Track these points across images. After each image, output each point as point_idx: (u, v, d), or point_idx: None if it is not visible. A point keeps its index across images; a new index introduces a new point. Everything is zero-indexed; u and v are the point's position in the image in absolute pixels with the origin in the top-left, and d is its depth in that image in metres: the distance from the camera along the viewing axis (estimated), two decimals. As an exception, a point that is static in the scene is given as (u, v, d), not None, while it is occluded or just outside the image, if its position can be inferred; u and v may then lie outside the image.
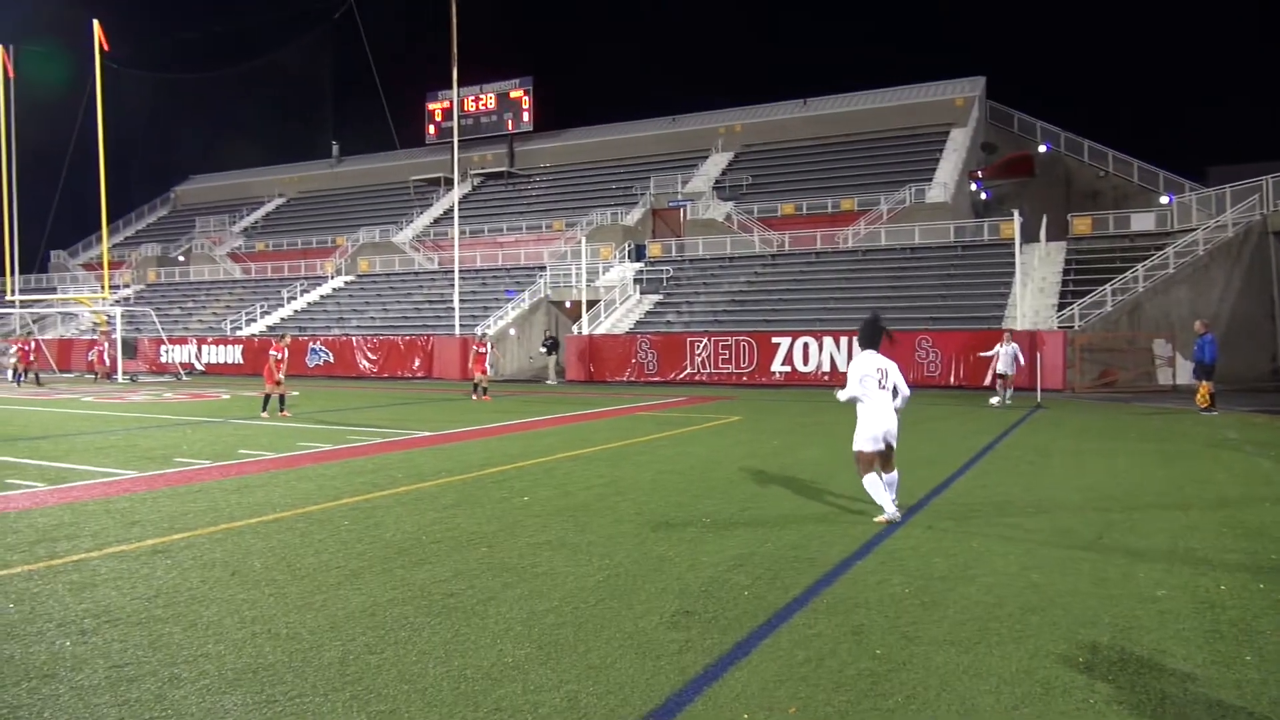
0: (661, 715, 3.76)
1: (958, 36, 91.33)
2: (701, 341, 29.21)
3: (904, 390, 7.54)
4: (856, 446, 7.48)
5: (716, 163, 47.66)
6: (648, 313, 34.15)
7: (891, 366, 7.48)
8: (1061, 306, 27.83)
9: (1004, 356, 20.31)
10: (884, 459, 7.49)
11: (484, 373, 22.45)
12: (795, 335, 28.07)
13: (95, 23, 34.03)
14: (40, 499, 8.79)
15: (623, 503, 8.50)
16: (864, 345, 7.55)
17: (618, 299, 35.20)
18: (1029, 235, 32.34)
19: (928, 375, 25.73)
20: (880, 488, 7.39)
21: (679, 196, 44.11)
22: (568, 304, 36.52)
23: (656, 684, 4.08)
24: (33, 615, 5.12)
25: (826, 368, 27.29)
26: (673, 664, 4.33)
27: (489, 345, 23.27)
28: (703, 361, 29.06)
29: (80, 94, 38.01)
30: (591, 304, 34.01)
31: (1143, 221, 32.32)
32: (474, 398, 22.20)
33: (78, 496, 8.93)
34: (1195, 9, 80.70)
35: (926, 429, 15.18)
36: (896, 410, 7.53)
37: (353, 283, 45.03)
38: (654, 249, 39.82)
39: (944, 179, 38.73)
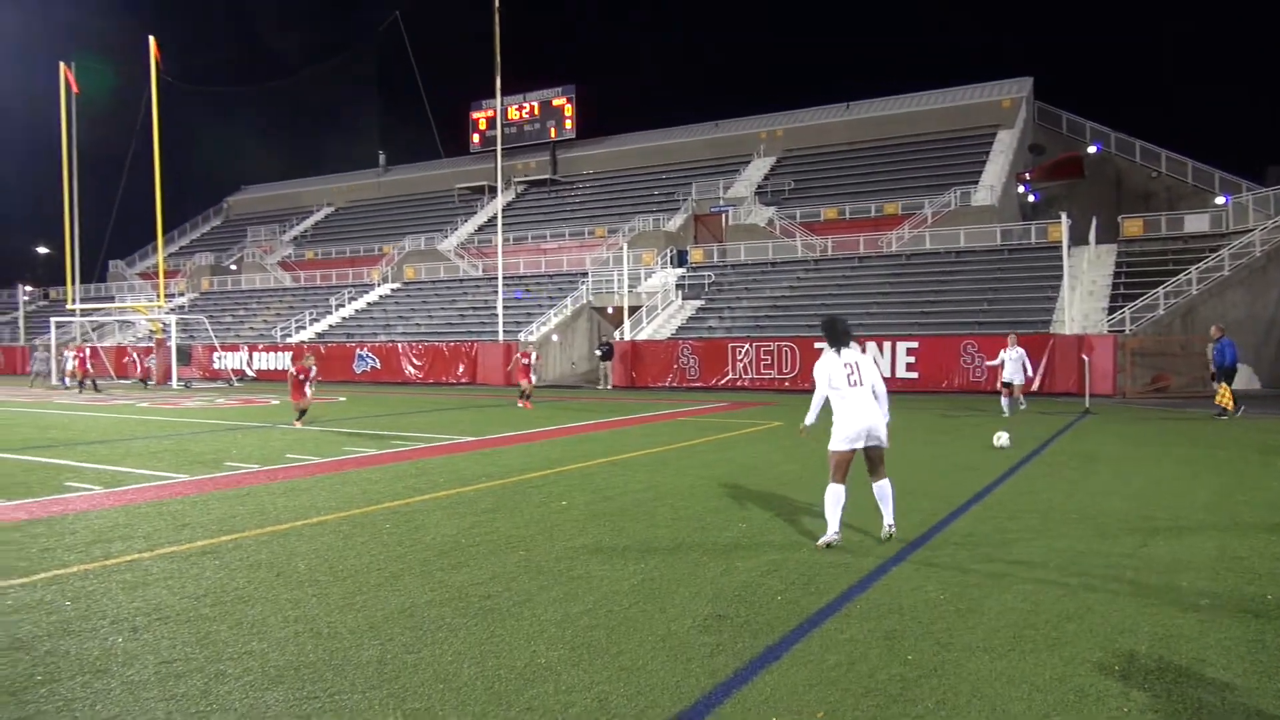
0: (691, 717, 3.80)
1: (1005, 37, 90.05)
2: (743, 347, 29.14)
3: (880, 387, 6.96)
4: (831, 446, 6.83)
5: (758, 167, 47.54)
6: (690, 318, 34.17)
7: (863, 360, 6.98)
8: (1112, 310, 27.28)
9: (1009, 364, 18.47)
10: (871, 464, 6.95)
11: (529, 380, 22.19)
12: (838, 340, 27.84)
13: (151, 39, 35.03)
14: (97, 501, 9.09)
15: (660, 508, 8.54)
16: (832, 344, 7.04)
17: (660, 305, 35.28)
18: (1078, 238, 31.76)
19: (973, 380, 25.38)
20: (837, 503, 6.77)
21: (721, 202, 44.07)
22: (610, 310, 36.67)
23: (687, 686, 4.12)
24: (88, 612, 5.32)
25: (870, 373, 27.02)
26: (703, 666, 4.37)
27: (533, 354, 22.87)
28: (744, 367, 28.99)
29: (136, 108, 39.13)
30: (634, 310, 34.13)
31: (1197, 223, 31.56)
32: (520, 404, 22.03)
33: (132, 499, 9.22)
34: (1252, 3, 78.54)
35: (970, 434, 14.99)
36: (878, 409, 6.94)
37: (399, 290, 45.69)
38: (696, 254, 39.83)
39: (990, 182, 38.20)
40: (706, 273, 37.39)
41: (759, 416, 18.97)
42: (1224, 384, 17.31)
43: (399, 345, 36.22)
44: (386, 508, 8.60)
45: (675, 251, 40.28)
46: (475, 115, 56.68)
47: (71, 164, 39.24)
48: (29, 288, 58.81)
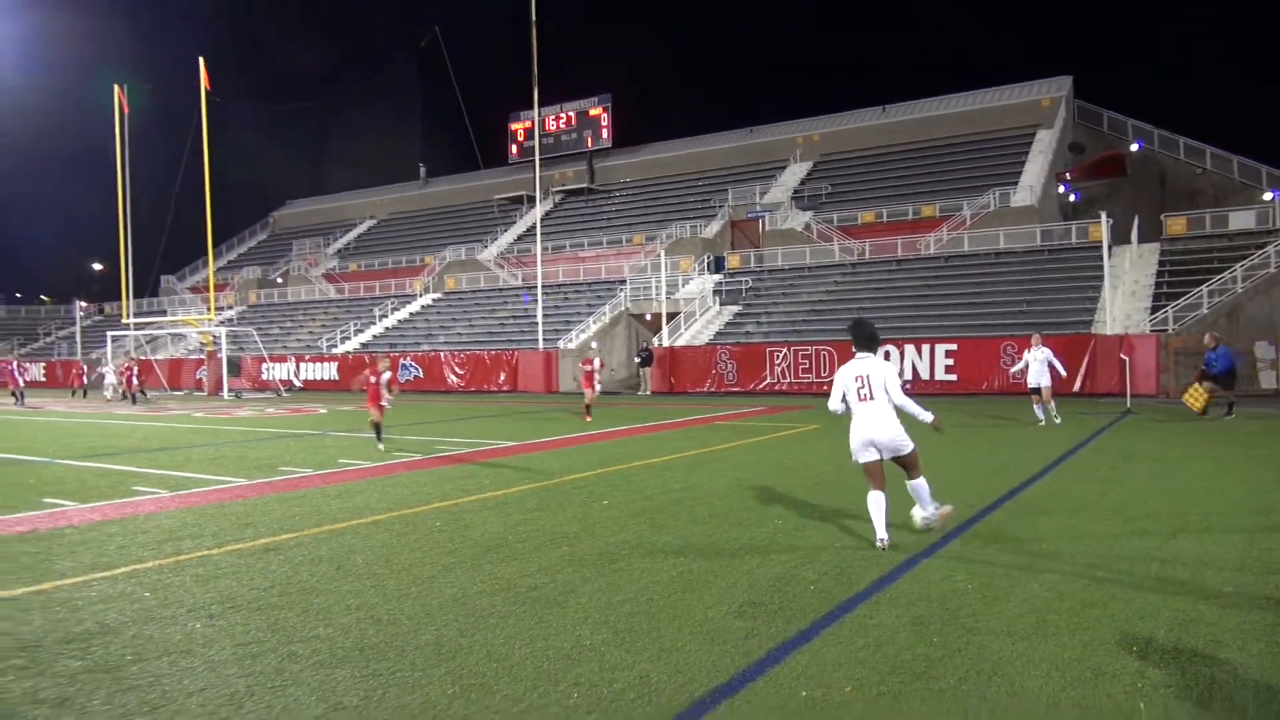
0: (726, 692, 4.09)
1: (1043, 36, 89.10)
2: (781, 351, 29.29)
3: (895, 395, 6.91)
4: (853, 460, 7.11)
5: (795, 172, 47.64)
6: (727, 324, 34.39)
7: (874, 371, 6.94)
8: (1155, 310, 27.01)
9: (1034, 366, 16.60)
10: (904, 467, 7.00)
11: (593, 390, 20.54)
12: (876, 343, 27.89)
13: (200, 61, 36.15)
14: (164, 504, 9.60)
15: (698, 506, 8.83)
16: (856, 348, 7.10)
17: (697, 310, 35.55)
18: (1120, 237, 31.45)
19: (1013, 382, 25.25)
20: (877, 507, 6.87)
21: (757, 207, 44.25)
22: (648, 316, 37.02)
23: (722, 666, 4.41)
24: (167, 602, 5.74)
25: (909, 376, 27.06)
26: (738, 649, 4.65)
27: (596, 361, 21.01)
28: (782, 371, 29.14)
29: (186, 128, 40.38)
30: (672, 316, 34.43)
31: (1242, 220, 31.11)
32: (586, 418, 19.92)
33: (197, 501, 9.71)
34: (1301, -5, 76.85)
35: (1008, 435, 15.07)
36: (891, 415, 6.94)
37: (440, 300, 46.47)
38: (733, 260, 40.05)
39: (1030, 182, 37.94)
40: (744, 278, 37.59)
41: (796, 420, 19.15)
42: (1207, 385, 17.28)
43: (441, 354, 36.89)
44: (436, 508, 8.98)
45: (712, 257, 40.53)
46: (513, 126, 57.46)
47: (124, 183, 40.57)
48: (84, 303, 60.68)
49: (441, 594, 5.80)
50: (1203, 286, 26.17)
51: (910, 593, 5.62)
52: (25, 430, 20.36)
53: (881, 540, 6.85)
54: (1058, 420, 16.32)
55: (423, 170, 65.78)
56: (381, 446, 14.20)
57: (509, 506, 8.99)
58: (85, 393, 38.33)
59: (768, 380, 29.30)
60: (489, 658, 4.58)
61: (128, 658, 4.68)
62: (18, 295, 73.40)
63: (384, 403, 14.41)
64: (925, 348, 26.88)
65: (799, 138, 49.29)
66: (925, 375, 26.89)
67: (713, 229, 44.46)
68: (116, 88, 40.90)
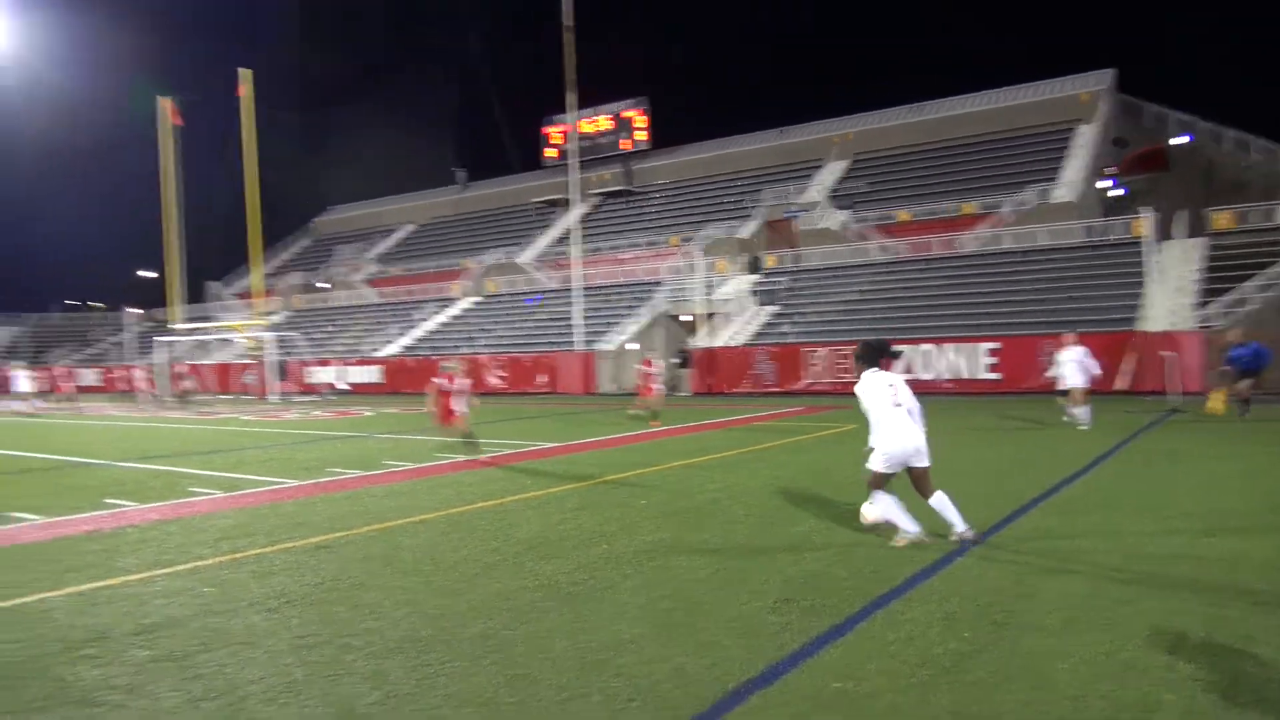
0: (759, 683, 4.24)
1: (1083, 29, 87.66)
2: (819, 351, 29.27)
3: (916, 406, 7.04)
4: (873, 467, 6.99)
5: (830, 171, 47.48)
6: (765, 324, 34.41)
7: (898, 381, 7.07)
8: (1201, 306, 26.57)
9: (1068, 366, 15.72)
10: (917, 485, 7.03)
11: (651, 394, 18.75)
12: (915, 342, 27.80)
13: (240, 72, 36.97)
14: (219, 504, 9.97)
15: (734, 506, 8.97)
16: (867, 364, 7.18)
17: (735, 311, 35.62)
18: (1164, 232, 30.94)
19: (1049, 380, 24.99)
20: (895, 504, 6.99)
21: (793, 207, 44.17)
22: (686, 318, 37.16)
23: (756, 658, 4.56)
24: (226, 597, 6.03)
25: (947, 375, 26.90)
26: (773, 642, 4.80)
27: (656, 364, 19.20)
28: (820, 371, 29.12)
29: (228, 137, 41.30)
30: (709, 317, 34.53)
31: (1291, 213, 30.42)
32: (653, 424, 18.14)
33: (250, 502, 10.06)
34: (1354, -20, 74.77)
35: (1048, 434, 14.99)
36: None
37: (480, 303, 47.00)
38: (770, 260, 40.03)
39: (1071, 178, 37.45)
40: (780, 278, 37.57)
41: (833, 420, 19.19)
42: (1226, 386, 17.22)
43: (482, 357, 37.35)
44: (480, 507, 9.23)
45: (749, 258, 40.55)
46: (549, 130, 57.89)
47: (174, 193, 41.60)
48: (134, 310, 62.26)
49: (486, 590, 6.02)
50: (1250, 281, 25.69)
51: (942, 589, 5.72)
52: (82, 435, 21.05)
53: (919, 532, 6.95)
54: (1084, 426, 15.22)
55: (461, 175, 66.53)
56: (479, 454, 13.26)
57: (550, 506, 9.21)
58: (154, 398, 39.36)
59: (806, 380, 29.29)
60: (533, 650, 4.78)
61: (193, 648, 4.96)
62: (67, 303, 75.48)
63: (461, 409, 13.27)
64: (965, 346, 26.70)
65: (834, 136, 49.08)
66: (967, 374, 26.72)
67: (749, 229, 44.47)
68: (163, 100, 41.99)
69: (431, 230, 63.92)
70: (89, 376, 50.44)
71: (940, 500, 6.97)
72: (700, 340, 33.06)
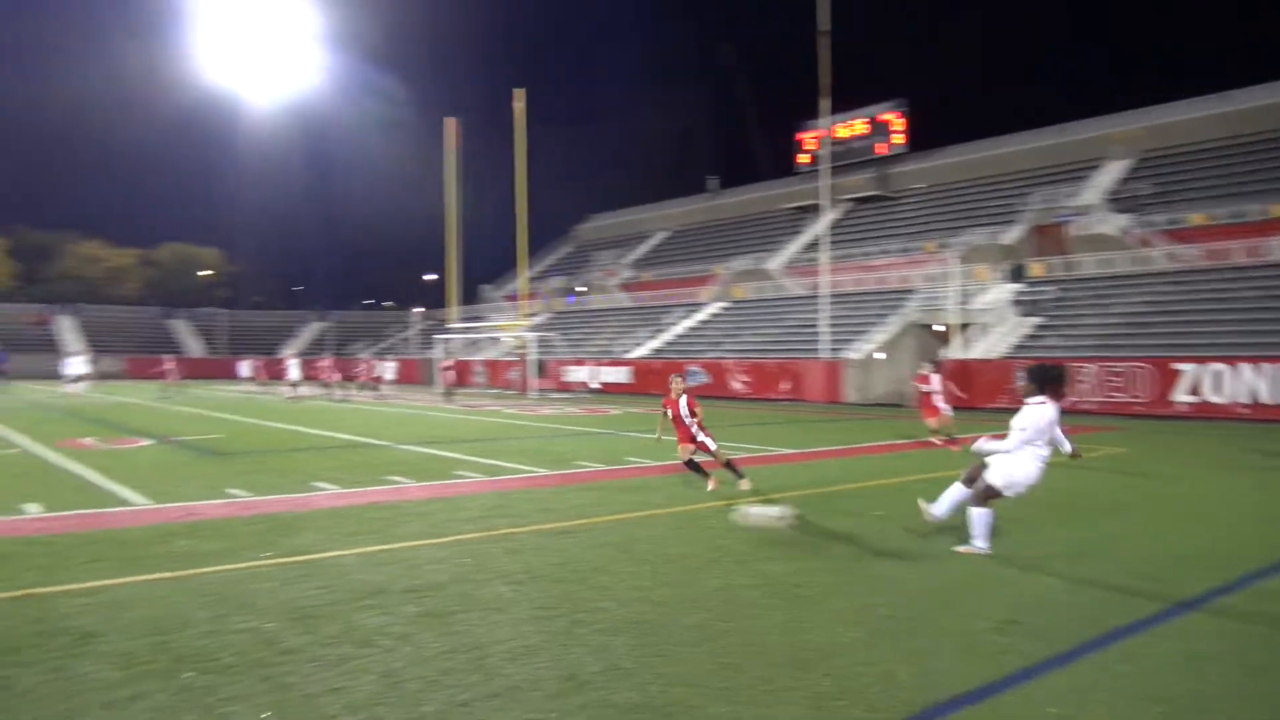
0: (969, 700, 4.21)
1: None
2: (1087, 367, 27.06)
3: (1065, 446, 7.44)
4: (1001, 485, 7.10)
5: (1109, 172, 43.58)
6: (1026, 336, 32.28)
7: (1056, 417, 7.13)
8: None
9: None
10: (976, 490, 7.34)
11: (939, 415, 16.27)
12: (1204, 361, 24.96)
13: (514, 91, 40.05)
14: (480, 487, 11.04)
15: (971, 523, 8.67)
16: (1037, 391, 7.10)
17: (993, 322, 33.72)
18: None
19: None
20: (987, 520, 7.21)
21: (1064, 211, 41.03)
22: (939, 327, 35.67)
23: (971, 675, 4.51)
24: (480, 568, 6.76)
25: (1245, 399, 23.93)
26: (991, 662, 4.71)
27: (932, 376, 16.68)
28: (1089, 389, 26.90)
29: (502, 151, 44.82)
30: (963, 327, 32.95)
31: None
32: (949, 445, 15.81)
33: (506, 487, 11.06)
34: None
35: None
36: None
37: (728, 308, 47.75)
38: (1035, 268, 37.46)
39: None
40: (1046, 287, 35.07)
41: (1099, 442, 17.74)
42: None
43: (727, 362, 37.96)
44: (712, 506, 9.57)
45: (1012, 266, 38.19)
46: (802, 136, 57.64)
47: (455, 204, 45.81)
48: (418, 309, 69.14)
49: (708, 584, 6.32)
50: None
51: (1194, 629, 5.30)
52: (372, 420, 23.81)
53: (985, 550, 7.09)
54: None
55: (714, 182, 67.85)
56: (745, 484, 10.45)
57: (779, 510, 9.35)
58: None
59: (1071, 398, 27.17)
60: (745, 643, 5.01)
61: (451, 608, 5.65)
62: (364, 303, 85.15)
63: (690, 424, 10.82)
64: (1267, 367, 23.63)
65: (1116, 133, 44.97)
66: (1268, 398, 23.63)
67: (1013, 235, 41.87)
68: (447, 120, 46.36)
69: (683, 237, 65.70)
70: (383, 368, 56.57)
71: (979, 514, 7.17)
72: (953, 351, 31.61)
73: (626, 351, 45.81)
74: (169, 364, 39.19)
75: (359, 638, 5.08)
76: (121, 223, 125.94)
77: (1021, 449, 6.99)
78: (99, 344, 61.05)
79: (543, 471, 12.55)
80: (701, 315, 48.10)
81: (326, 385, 36.91)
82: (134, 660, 4.67)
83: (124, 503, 9.71)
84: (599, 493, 10.61)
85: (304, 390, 36.06)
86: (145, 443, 16.27)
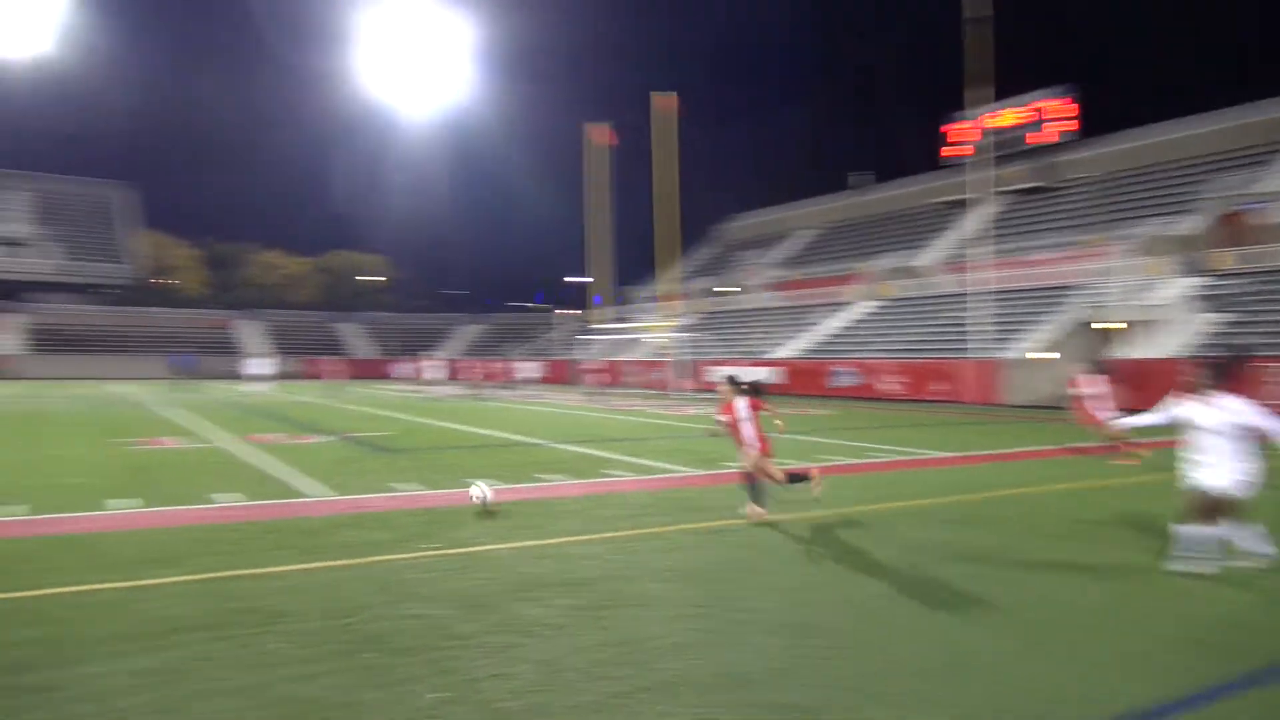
0: (1140, 716, 4.00)
1: None
2: (1274, 366, 24.84)
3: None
4: (1219, 486, 6.49)
5: (1304, 154, 39.79)
6: (1206, 333, 29.95)
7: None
8: None
9: None
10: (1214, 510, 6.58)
11: (1099, 421, 14.35)
12: None
13: (660, 95, 40.45)
14: (629, 485, 11.27)
15: (1146, 532, 8.17)
16: (1215, 384, 6.97)
17: (1168, 318, 31.45)
18: None
19: None
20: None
21: (1247, 199, 37.76)
22: (1107, 325, 33.59)
23: (1142, 693, 4.29)
24: (631, 565, 6.93)
25: None
26: (1164, 680, 4.47)
27: (1085, 379, 15.26)
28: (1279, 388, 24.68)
29: (647, 154, 45.41)
30: (1134, 325, 30.89)
31: None
32: (1117, 453, 14.11)
33: (654, 486, 11.25)
34: None
35: None
36: None
37: (879, 307, 46.60)
38: (1216, 260, 34.69)
39: None
40: (1230, 281, 32.41)
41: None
42: None
43: (876, 361, 37.05)
44: (855, 510, 9.42)
45: (1188, 258, 35.50)
46: (951, 128, 55.51)
47: (607, 206, 46.72)
48: (565, 311, 70.88)
49: (863, 588, 6.25)
50: None
51: (1405, 655, 4.84)
52: (524, 419, 24.63)
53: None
54: None
55: (859, 179, 66.35)
56: (744, 511, 8.93)
57: (931, 517, 9.11)
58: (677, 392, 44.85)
59: (1259, 399, 24.99)
60: (901, 649, 4.95)
61: (605, 603, 5.84)
62: (515, 304, 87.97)
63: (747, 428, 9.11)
64: None
65: (1309, 112, 41.02)
66: None
67: (1189, 226, 38.90)
68: (589, 126, 47.35)
69: (828, 235, 64.58)
70: (523, 368, 58.31)
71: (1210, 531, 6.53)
72: (1122, 350, 29.70)
73: (773, 351, 45.44)
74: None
75: (519, 627, 5.33)
76: (295, 232, 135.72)
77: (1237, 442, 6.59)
78: (281, 346, 65.82)
79: (689, 471, 12.68)
80: (849, 314, 47.18)
81: (471, 384, 38.59)
82: (316, 639, 5.08)
83: (302, 494, 10.48)
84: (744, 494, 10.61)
85: (449, 390, 38.03)
86: (322, 439, 17.44)
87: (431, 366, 45.90)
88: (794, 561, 7.03)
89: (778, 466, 9.11)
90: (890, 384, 35.83)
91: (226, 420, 22.02)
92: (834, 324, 46.77)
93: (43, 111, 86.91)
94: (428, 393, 38.23)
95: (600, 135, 54.32)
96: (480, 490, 9.24)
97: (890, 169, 63.03)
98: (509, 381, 41.27)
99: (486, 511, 9.05)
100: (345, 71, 72.73)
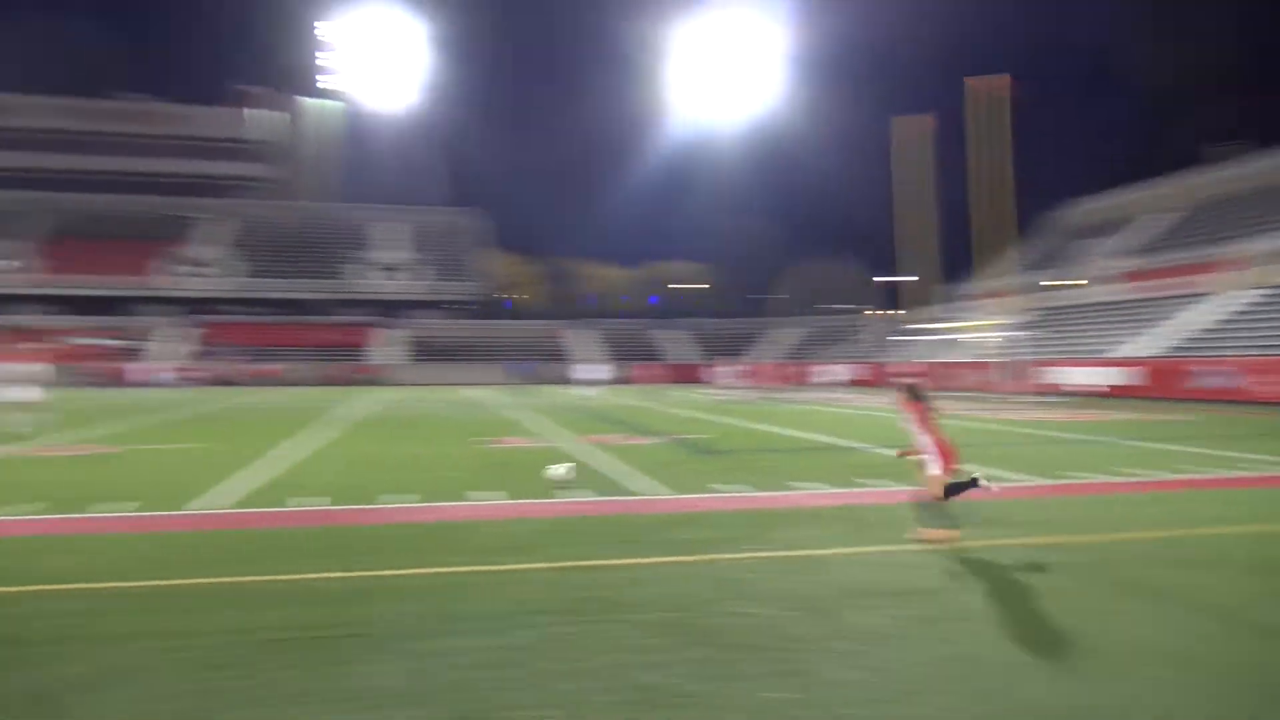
0: None
1: None
2: None
3: None
4: None
5: None
6: None
7: None
8: None
9: None
10: None
11: None
12: None
13: (987, 79, 38.04)
14: (972, 495, 10.69)
15: None
16: None
17: None
18: None
19: None
20: None
21: None
22: None
23: None
24: (969, 575, 6.65)
25: None
26: None
27: None
28: None
29: (960, 144, 42.89)
30: None
31: None
32: None
33: (981, 495, 10.57)
34: None
35: None
36: None
37: (1263, 297, 40.21)
38: None
39: None
40: None
41: None
42: None
43: (1254, 359, 32.09)
44: (1169, 536, 8.25)
45: None
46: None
47: (931, 201, 44.89)
48: (874, 311, 68.88)
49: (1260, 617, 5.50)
50: None
51: None
52: (839, 422, 24.32)
53: None
54: None
55: (1220, 153, 57.78)
56: (934, 533, 7.85)
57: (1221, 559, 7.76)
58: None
59: None
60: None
61: (934, 614, 5.65)
62: (826, 307, 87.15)
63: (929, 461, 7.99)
64: None
65: None
66: None
67: None
68: (897, 120, 45.65)
69: (1190, 215, 56.97)
70: (836, 371, 57.34)
71: None
72: None
73: (1117, 350, 40.98)
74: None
75: (855, 634, 5.32)
76: (620, 245, 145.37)
77: None
78: (606, 353, 70.68)
79: (1030, 480, 11.83)
80: (1212, 306, 41.31)
81: (768, 388, 38.93)
82: (658, 630, 5.41)
83: (635, 493, 11.17)
84: (1099, 506, 9.73)
85: (740, 394, 38.77)
86: (650, 441, 18.44)
87: (738, 370, 46.74)
88: (1150, 587, 6.34)
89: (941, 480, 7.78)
90: (1273, 385, 30.81)
91: (565, 422, 24.00)
92: (1193, 318, 41.17)
93: (414, 152, 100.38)
94: (735, 396, 39.03)
95: (917, 127, 52.32)
96: (560, 470, 10.69)
97: (1258, 138, 54.11)
98: (808, 384, 41.03)
99: (562, 487, 10.44)
100: (662, 89, 76.48)
